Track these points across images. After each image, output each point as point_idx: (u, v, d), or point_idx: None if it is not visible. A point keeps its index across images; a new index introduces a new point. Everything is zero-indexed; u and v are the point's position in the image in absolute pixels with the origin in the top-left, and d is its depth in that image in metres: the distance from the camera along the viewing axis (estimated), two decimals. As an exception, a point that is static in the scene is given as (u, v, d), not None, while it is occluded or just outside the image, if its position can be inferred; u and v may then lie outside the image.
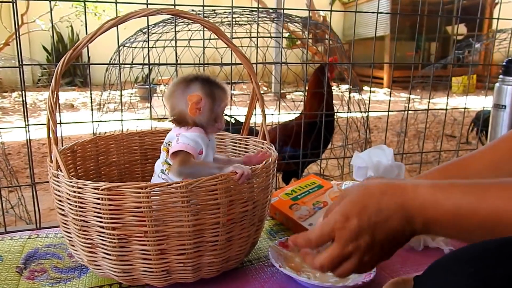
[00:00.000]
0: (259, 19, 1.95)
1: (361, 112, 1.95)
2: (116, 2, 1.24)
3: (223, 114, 0.85)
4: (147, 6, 1.13)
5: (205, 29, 0.98)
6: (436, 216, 0.51)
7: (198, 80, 0.81)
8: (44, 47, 7.87)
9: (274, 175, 0.90)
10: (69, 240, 0.80)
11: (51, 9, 1.22)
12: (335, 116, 1.97)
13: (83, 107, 6.07)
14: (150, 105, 1.43)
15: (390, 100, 1.58)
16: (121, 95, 1.35)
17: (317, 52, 5.80)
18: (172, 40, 2.16)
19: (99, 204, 0.71)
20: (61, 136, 1.08)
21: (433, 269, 0.45)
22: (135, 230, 0.72)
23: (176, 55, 1.49)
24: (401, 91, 7.29)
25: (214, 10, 1.78)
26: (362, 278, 0.79)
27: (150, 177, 1.09)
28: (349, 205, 0.55)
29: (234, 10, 1.96)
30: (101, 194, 0.70)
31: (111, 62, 2.13)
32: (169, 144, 0.83)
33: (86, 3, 1.52)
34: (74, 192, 0.72)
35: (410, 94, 1.66)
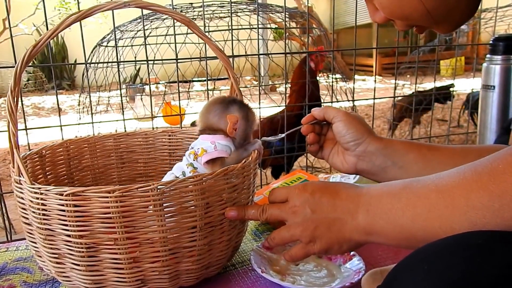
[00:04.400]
0: (239, 10, 1.89)
1: (348, 101, 1.90)
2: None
3: (252, 134, 0.88)
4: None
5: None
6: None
7: (236, 103, 0.84)
8: (28, 51, 7.73)
9: (256, 174, 0.85)
10: (35, 251, 0.75)
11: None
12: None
13: (71, 110, 5.99)
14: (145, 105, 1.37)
15: (375, 88, 1.53)
16: (89, 97, 1.30)
17: (304, 44, 5.76)
18: (156, 36, 2.10)
19: (63, 211, 0.66)
20: (28, 142, 1.03)
21: (397, 267, 0.46)
22: (104, 238, 0.67)
23: (176, 51, 1.43)
24: (391, 77, 7.26)
25: (191, 3, 1.72)
26: (350, 279, 0.75)
27: (127, 181, 1.04)
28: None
29: (212, 3, 1.91)
30: (66, 200, 0.65)
31: (90, 62, 2.07)
32: (200, 150, 0.82)
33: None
34: (37, 198, 0.67)
35: (396, 80, 1.62)
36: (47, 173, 0.91)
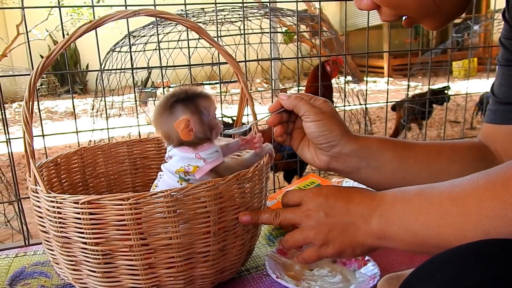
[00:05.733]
0: (250, 15, 1.90)
1: (360, 104, 1.89)
2: (92, 6, 1.20)
3: (215, 117, 0.80)
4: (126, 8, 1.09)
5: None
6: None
7: (178, 102, 0.76)
8: (42, 56, 7.84)
9: (268, 178, 0.86)
10: (52, 257, 0.76)
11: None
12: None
13: (84, 114, 6.05)
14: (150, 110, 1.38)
15: (388, 90, 1.53)
16: (105, 103, 1.31)
17: (314, 46, 5.75)
18: (167, 41, 2.11)
19: (79, 218, 0.67)
20: (44, 146, 1.04)
21: (412, 275, 0.46)
22: (120, 245, 0.68)
23: (189, 56, 1.44)
24: (402, 79, 7.21)
25: (203, 8, 1.73)
26: (365, 284, 0.74)
27: (141, 187, 1.05)
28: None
29: (224, 8, 1.92)
30: (81, 208, 0.66)
31: (105, 69, 2.09)
32: (192, 167, 0.77)
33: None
34: (53, 207, 0.68)
35: (408, 82, 1.61)
36: (63, 181, 0.92)
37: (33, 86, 0.71)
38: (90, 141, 2.06)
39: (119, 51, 2.18)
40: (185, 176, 0.77)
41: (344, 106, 1.68)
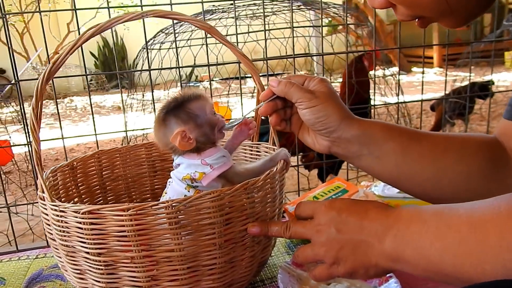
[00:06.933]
0: (297, 8, 1.86)
1: (398, 103, 1.80)
2: (141, 6, 1.22)
3: (214, 114, 0.75)
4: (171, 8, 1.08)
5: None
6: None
7: (169, 113, 0.73)
8: (91, 53, 8.15)
9: (283, 185, 0.81)
10: (61, 264, 0.75)
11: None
12: (371, 104, 1.84)
13: (129, 109, 6.21)
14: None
15: (422, 83, 1.43)
16: (153, 101, 1.31)
17: (359, 36, 5.58)
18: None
19: (81, 228, 0.65)
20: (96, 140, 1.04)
21: None
22: (121, 256, 0.66)
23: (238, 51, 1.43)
24: (452, 69, 6.85)
25: (232, 3, 1.70)
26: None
27: (160, 190, 1.03)
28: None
29: (258, 2, 1.88)
30: (82, 218, 0.64)
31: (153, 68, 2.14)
32: (198, 174, 0.75)
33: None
34: (57, 216, 0.67)
35: (445, 78, 1.50)
36: (79, 184, 0.92)
37: (40, 92, 0.70)
38: (124, 137, 2.10)
39: (168, 48, 2.21)
40: (192, 183, 0.74)
41: (372, 106, 1.59)
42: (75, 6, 1.33)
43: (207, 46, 1.51)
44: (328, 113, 0.67)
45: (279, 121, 0.73)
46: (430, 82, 6.20)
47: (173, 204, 0.64)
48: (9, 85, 4.36)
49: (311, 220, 0.64)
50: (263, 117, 0.81)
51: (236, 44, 1.42)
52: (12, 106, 3.34)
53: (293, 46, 1.52)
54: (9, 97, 6.69)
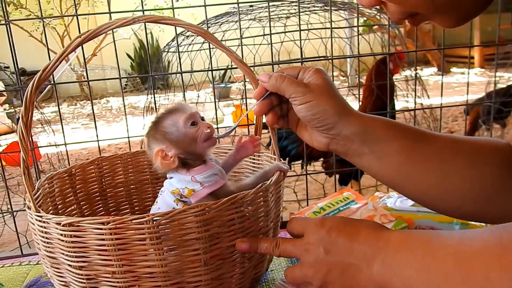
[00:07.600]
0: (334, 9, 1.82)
1: (423, 108, 1.71)
2: (173, 8, 1.25)
3: (194, 124, 0.71)
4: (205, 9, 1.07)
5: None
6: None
7: (148, 136, 0.72)
8: (128, 55, 8.34)
9: (280, 197, 0.77)
10: (49, 275, 0.74)
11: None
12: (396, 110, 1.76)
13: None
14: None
15: (441, 85, 1.34)
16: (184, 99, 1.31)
17: (396, 36, 5.43)
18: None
19: (63, 241, 0.64)
20: (67, 152, 1.03)
21: None
22: (103, 270, 0.64)
23: (271, 54, 1.40)
24: (493, 70, 6.56)
25: (251, 5, 1.67)
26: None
27: (162, 196, 1.01)
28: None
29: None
30: (63, 230, 0.63)
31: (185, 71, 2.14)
32: (187, 190, 0.72)
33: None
34: (41, 226, 0.66)
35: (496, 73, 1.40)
36: (78, 191, 0.91)
37: (29, 100, 0.69)
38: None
39: (199, 50, 2.22)
40: (181, 198, 0.72)
41: (413, 111, 1.52)
42: (110, 9, 1.37)
43: (242, 47, 1.48)
44: (324, 108, 0.62)
45: (276, 119, 0.69)
46: (471, 83, 5.95)
47: (154, 219, 0.61)
48: (49, 86, 4.49)
49: (301, 239, 0.60)
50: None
51: (270, 44, 1.39)
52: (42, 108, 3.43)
53: (331, 47, 1.47)
54: (50, 97, 6.96)
